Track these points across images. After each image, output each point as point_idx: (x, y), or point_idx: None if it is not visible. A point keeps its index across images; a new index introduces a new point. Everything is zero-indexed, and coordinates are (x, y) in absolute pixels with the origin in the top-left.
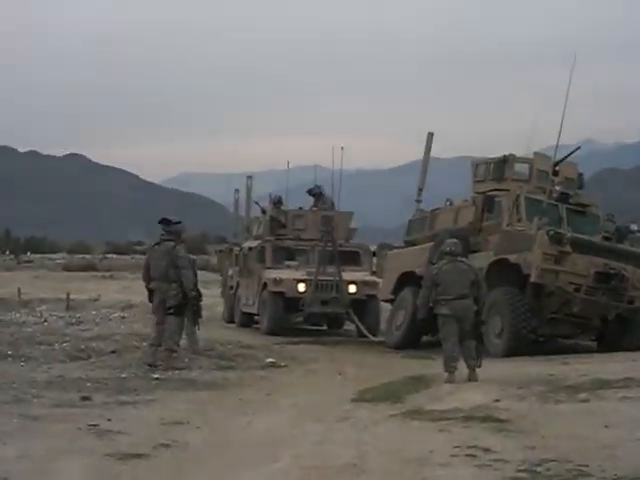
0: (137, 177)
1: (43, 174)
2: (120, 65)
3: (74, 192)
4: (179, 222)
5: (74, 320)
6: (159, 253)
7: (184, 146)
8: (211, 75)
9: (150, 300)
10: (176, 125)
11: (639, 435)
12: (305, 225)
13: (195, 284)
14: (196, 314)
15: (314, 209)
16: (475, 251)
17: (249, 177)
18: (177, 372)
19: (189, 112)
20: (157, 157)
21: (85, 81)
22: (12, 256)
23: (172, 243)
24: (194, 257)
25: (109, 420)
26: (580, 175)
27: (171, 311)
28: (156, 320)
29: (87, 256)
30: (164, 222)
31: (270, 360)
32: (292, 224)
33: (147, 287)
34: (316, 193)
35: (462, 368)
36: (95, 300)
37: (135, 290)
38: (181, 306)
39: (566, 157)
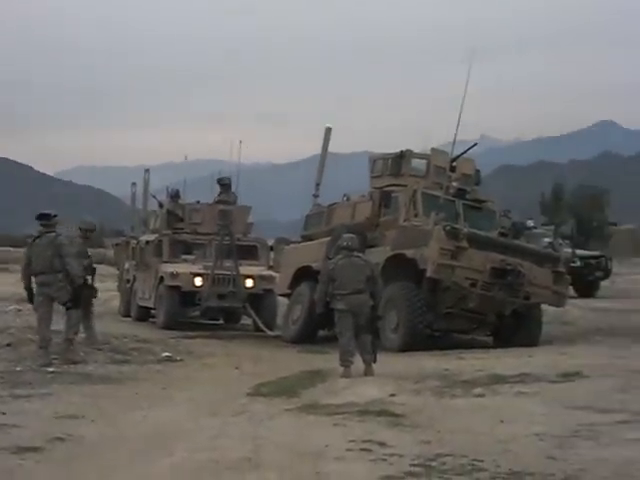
0: (31, 168)
1: None
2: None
3: None
4: (56, 215)
5: None
6: (41, 245)
7: (77, 138)
8: (113, 69)
9: (30, 301)
10: (69, 117)
11: (534, 430)
12: (202, 219)
13: (90, 276)
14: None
15: (217, 199)
16: (372, 246)
17: (146, 170)
18: (73, 366)
19: (79, 102)
20: (50, 149)
21: None
22: None
23: (55, 233)
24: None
25: (3, 414)
26: (477, 171)
27: (68, 305)
28: (40, 317)
29: None
30: (44, 217)
31: (166, 354)
32: (189, 218)
33: (26, 287)
34: (225, 184)
35: (358, 363)
36: None
37: None
38: (76, 298)
39: (463, 153)
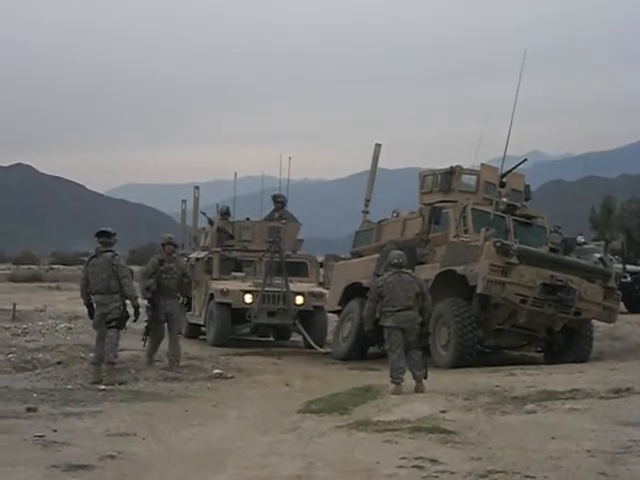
0: (84, 187)
1: None
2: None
3: (20, 203)
4: (115, 234)
5: (20, 331)
6: (99, 265)
7: (127, 156)
8: (153, 84)
9: (91, 316)
10: (117, 134)
11: (585, 446)
12: (252, 236)
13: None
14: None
15: (271, 215)
16: (422, 262)
17: (196, 187)
18: (121, 385)
19: (135, 120)
20: (101, 166)
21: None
22: None
23: (111, 253)
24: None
25: (55, 431)
26: (527, 187)
27: (112, 324)
28: (98, 335)
29: (33, 267)
30: (104, 234)
31: (217, 371)
32: (239, 235)
33: (86, 304)
34: (280, 201)
35: (409, 379)
36: (41, 311)
37: (81, 301)
38: (122, 319)
39: (513, 169)
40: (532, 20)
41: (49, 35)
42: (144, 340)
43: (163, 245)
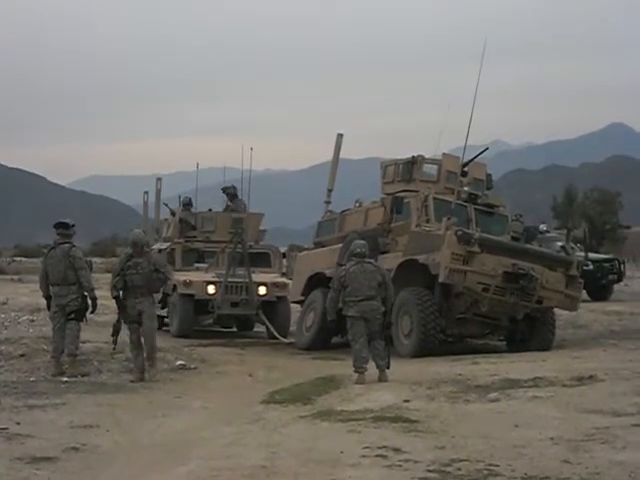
0: (44, 179)
1: None
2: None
3: None
4: (74, 225)
5: None
6: (56, 257)
7: (90, 148)
8: (112, 77)
9: (49, 308)
10: (80, 126)
11: (549, 434)
12: (215, 227)
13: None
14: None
15: (225, 208)
16: (385, 252)
17: (158, 179)
18: (84, 377)
19: (94, 113)
20: (63, 158)
21: None
22: None
23: (69, 245)
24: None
25: (18, 424)
26: (489, 176)
27: (72, 316)
28: (56, 327)
29: None
30: (62, 226)
31: (180, 362)
32: (202, 226)
33: (45, 296)
34: (230, 193)
35: (372, 369)
36: (3, 303)
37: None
38: (81, 310)
39: (474, 158)
40: (499, 10)
41: None
42: (114, 342)
43: (134, 244)
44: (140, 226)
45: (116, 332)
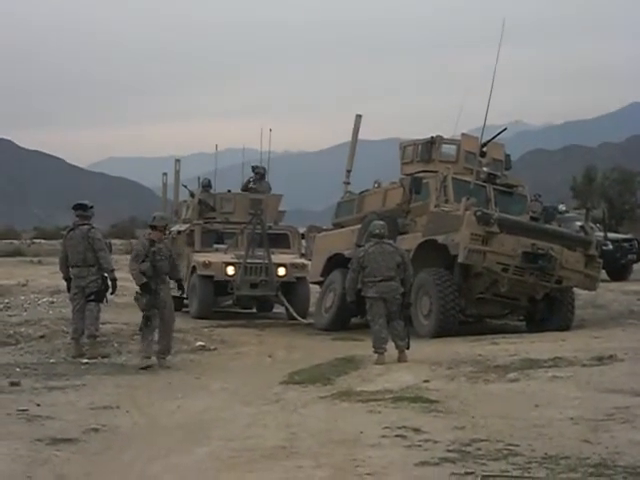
0: (63, 161)
1: None
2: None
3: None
4: (92, 206)
5: (2, 306)
6: (75, 239)
7: (109, 130)
8: (130, 61)
9: (69, 290)
10: (100, 109)
11: (569, 414)
12: (234, 208)
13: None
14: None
15: (246, 184)
16: (404, 233)
17: (177, 160)
18: (104, 359)
19: (110, 96)
20: (82, 141)
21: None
22: None
23: (87, 226)
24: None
25: (38, 405)
26: (507, 156)
27: (92, 297)
28: (76, 308)
29: (15, 241)
30: (80, 207)
31: (200, 343)
32: (221, 207)
33: (65, 277)
34: (259, 172)
35: (392, 349)
36: (23, 285)
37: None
38: (101, 292)
39: (493, 138)
40: None
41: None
42: (142, 333)
43: (154, 227)
44: (161, 209)
45: (146, 323)
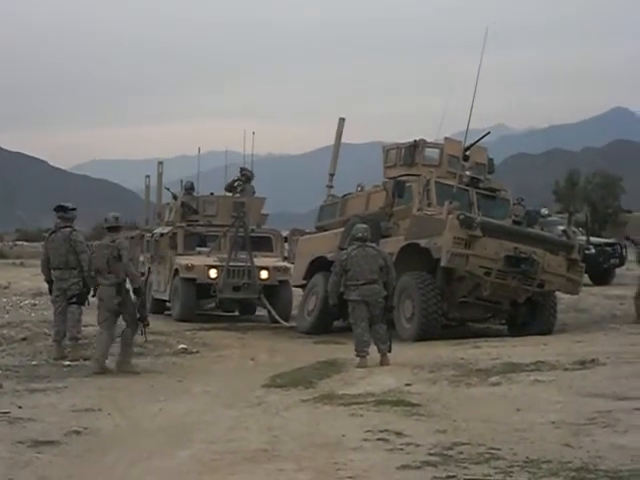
0: (46, 163)
1: None
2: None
3: None
4: (74, 209)
5: None
6: (57, 241)
7: (93, 132)
8: (110, 61)
9: (51, 292)
10: (83, 111)
11: (550, 418)
12: (217, 211)
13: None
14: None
15: (231, 184)
16: (386, 236)
17: (160, 163)
18: (86, 361)
19: (94, 98)
20: (65, 143)
21: None
22: None
23: (69, 229)
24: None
25: (20, 407)
26: (490, 160)
27: (73, 300)
28: (57, 310)
29: None
30: (62, 209)
31: (182, 346)
32: (204, 210)
33: (47, 280)
34: (245, 175)
35: (374, 353)
36: (5, 288)
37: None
38: (83, 294)
39: (476, 142)
40: None
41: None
42: (144, 333)
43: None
44: (143, 211)
45: (144, 322)
